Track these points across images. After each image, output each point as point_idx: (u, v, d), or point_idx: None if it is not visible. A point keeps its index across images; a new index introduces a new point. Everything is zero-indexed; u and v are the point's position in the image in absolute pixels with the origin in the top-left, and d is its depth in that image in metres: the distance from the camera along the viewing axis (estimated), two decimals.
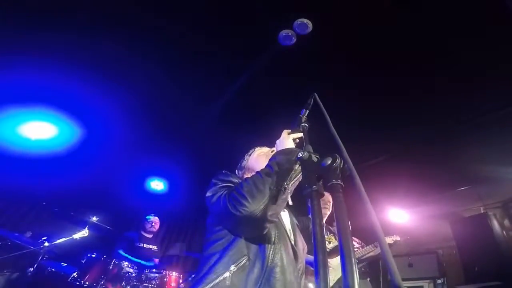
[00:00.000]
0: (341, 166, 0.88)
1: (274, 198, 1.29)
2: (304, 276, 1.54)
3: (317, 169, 0.91)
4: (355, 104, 4.17)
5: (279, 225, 1.47)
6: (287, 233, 1.48)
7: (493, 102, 4.03)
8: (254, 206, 1.24)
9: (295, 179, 1.36)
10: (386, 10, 3.16)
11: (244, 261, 1.33)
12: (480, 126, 4.33)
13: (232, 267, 1.31)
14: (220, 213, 1.37)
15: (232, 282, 1.28)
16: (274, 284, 1.27)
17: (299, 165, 1.33)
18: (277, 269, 1.31)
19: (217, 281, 1.30)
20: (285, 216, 1.67)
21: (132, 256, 4.30)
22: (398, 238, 4.15)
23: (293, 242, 1.51)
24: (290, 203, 1.52)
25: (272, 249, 1.36)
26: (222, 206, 1.34)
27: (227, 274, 1.30)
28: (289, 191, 1.35)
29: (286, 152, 1.40)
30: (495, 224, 5.02)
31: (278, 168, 1.34)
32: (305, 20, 3.20)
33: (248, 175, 1.76)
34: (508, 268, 4.33)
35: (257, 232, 1.34)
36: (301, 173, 1.36)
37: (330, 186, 0.85)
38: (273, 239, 1.39)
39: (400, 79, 3.89)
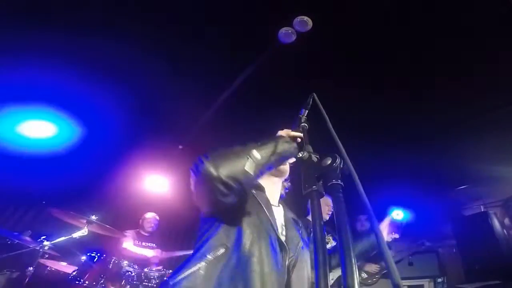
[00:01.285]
0: (341, 166, 0.87)
1: (237, 162, 1.26)
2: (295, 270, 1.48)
3: (317, 169, 0.91)
4: (354, 102, 4.16)
5: (262, 216, 1.45)
6: (272, 226, 1.44)
7: (493, 100, 4.02)
8: (211, 164, 1.21)
9: (270, 154, 1.34)
10: (386, 9, 3.15)
11: (222, 250, 1.31)
12: (481, 124, 4.33)
13: (209, 256, 1.30)
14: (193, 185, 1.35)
15: (206, 271, 1.26)
16: (250, 275, 1.22)
17: (283, 150, 1.36)
18: (254, 259, 1.27)
19: (191, 270, 1.28)
20: (278, 211, 1.64)
21: (126, 256, 4.27)
22: (397, 236, 4.12)
23: (280, 235, 1.46)
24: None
25: (249, 239, 1.32)
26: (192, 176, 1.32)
27: (202, 263, 1.29)
28: (256, 159, 1.29)
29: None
30: (496, 223, 5.01)
31: (260, 144, 1.36)
32: (305, 18, 3.19)
33: None
34: (509, 267, 4.32)
35: (216, 196, 1.25)
36: (283, 156, 1.38)
37: (330, 186, 0.85)
38: (250, 228, 1.36)
39: (400, 77, 3.88)
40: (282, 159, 1.41)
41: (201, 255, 1.33)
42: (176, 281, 1.31)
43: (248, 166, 1.26)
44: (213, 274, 1.26)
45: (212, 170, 1.19)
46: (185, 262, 1.36)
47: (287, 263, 1.41)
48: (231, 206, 1.33)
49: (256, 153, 1.30)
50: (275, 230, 1.43)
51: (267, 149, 1.35)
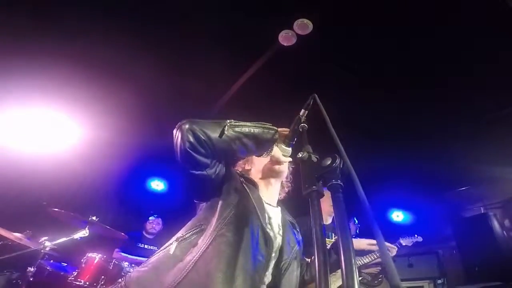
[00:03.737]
0: (341, 166, 0.87)
1: (210, 124, 1.31)
2: (287, 272, 1.47)
3: (317, 170, 0.90)
4: (355, 104, 4.17)
5: (247, 205, 1.43)
6: (259, 216, 1.41)
7: (494, 102, 4.02)
8: (187, 121, 1.27)
9: (246, 131, 1.37)
10: (386, 11, 3.15)
11: (196, 230, 1.33)
12: (481, 126, 4.33)
13: (180, 235, 1.33)
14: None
15: (175, 250, 1.27)
16: (216, 255, 1.20)
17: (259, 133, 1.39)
18: (224, 240, 1.25)
19: (165, 249, 1.31)
20: (275, 211, 1.62)
21: (131, 255, 4.30)
22: (420, 239, 4.02)
23: (267, 228, 1.42)
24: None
25: (224, 221, 1.31)
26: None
27: (174, 242, 1.30)
28: (231, 128, 1.33)
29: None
30: (496, 224, 5.03)
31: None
32: (305, 21, 3.20)
33: (247, 165, 1.79)
34: (509, 268, 4.33)
35: (187, 148, 1.25)
36: (257, 139, 1.39)
37: (329, 187, 0.84)
38: (230, 211, 1.35)
39: (402, 79, 3.89)
40: (257, 142, 1.41)
41: (177, 236, 1.35)
42: (148, 262, 1.34)
43: (223, 130, 1.31)
44: (180, 253, 1.26)
45: (186, 124, 1.25)
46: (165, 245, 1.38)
47: (272, 256, 1.39)
48: (203, 165, 1.33)
49: (232, 123, 1.34)
50: (260, 221, 1.40)
51: (244, 127, 1.38)
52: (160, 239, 5.09)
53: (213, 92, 4.42)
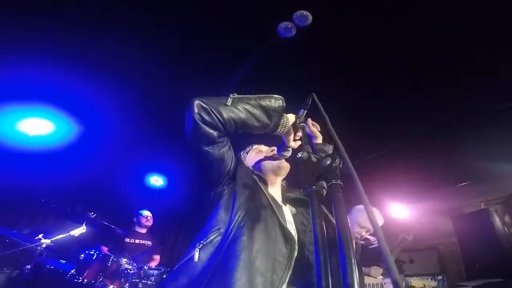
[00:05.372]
0: (340, 166, 0.86)
1: (218, 98, 1.35)
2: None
3: (317, 169, 0.89)
4: (355, 99, 4.14)
5: (261, 201, 1.40)
6: (275, 212, 1.37)
7: (495, 97, 4.00)
8: (198, 98, 1.31)
9: (253, 102, 1.38)
10: (387, 8, 3.11)
11: (215, 234, 1.30)
12: (482, 121, 4.30)
13: (201, 242, 1.29)
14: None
15: (200, 257, 1.24)
16: (233, 263, 1.16)
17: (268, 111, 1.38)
18: (240, 245, 1.21)
19: (188, 258, 1.27)
20: (285, 210, 1.57)
21: (128, 251, 4.23)
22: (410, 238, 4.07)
23: (286, 225, 1.37)
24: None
25: (239, 221, 1.27)
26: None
27: (196, 250, 1.27)
28: (234, 101, 1.35)
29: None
30: (497, 220, 5.02)
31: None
32: (305, 12, 3.16)
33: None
34: (509, 265, 4.32)
35: (197, 121, 1.29)
36: (264, 109, 1.39)
37: (329, 187, 0.83)
38: (244, 209, 1.31)
39: (401, 74, 3.85)
40: (264, 110, 1.39)
41: (197, 241, 1.32)
42: (173, 271, 1.32)
43: (229, 101, 1.34)
44: (203, 260, 1.23)
45: (196, 99, 1.30)
46: (185, 252, 1.34)
47: (294, 257, 1.33)
48: (210, 139, 1.33)
49: (236, 95, 1.37)
50: (278, 218, 1.36)
51: (249, 97, 1.39)
52: (152, 233, 5.04)
53: (213, 86, 4.38)
